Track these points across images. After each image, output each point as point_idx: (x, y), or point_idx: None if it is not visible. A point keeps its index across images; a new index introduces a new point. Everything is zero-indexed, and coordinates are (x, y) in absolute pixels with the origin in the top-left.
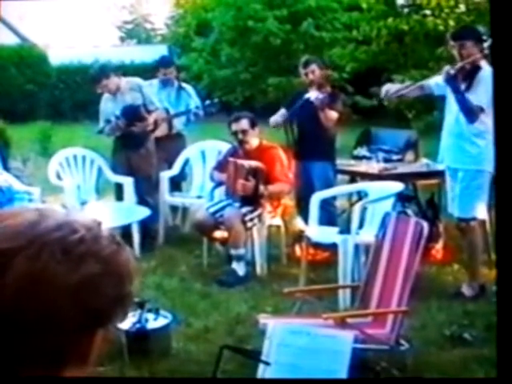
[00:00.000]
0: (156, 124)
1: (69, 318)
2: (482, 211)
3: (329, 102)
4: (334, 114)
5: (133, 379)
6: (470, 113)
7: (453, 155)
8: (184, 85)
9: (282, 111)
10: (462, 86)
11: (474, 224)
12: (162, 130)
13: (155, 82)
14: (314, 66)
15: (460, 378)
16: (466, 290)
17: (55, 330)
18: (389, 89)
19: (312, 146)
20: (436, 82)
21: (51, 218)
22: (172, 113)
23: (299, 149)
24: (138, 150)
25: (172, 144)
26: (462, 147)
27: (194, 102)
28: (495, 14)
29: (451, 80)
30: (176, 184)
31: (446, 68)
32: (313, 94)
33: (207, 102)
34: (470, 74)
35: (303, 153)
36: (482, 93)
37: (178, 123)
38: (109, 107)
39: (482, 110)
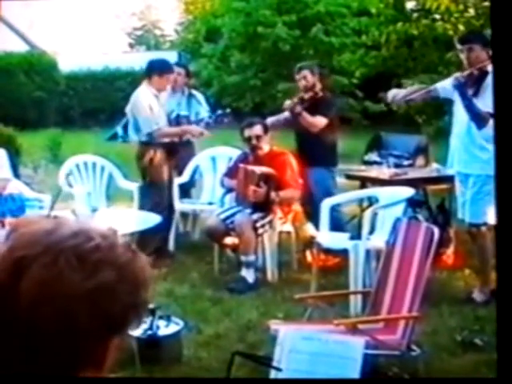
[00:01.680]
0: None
1: (84, 324)
2: (492, 216)
3: (315, 108)
4: (318, 120)
5: (137, 379)
6: (479, 119)
7: (463, 160)
8: (194, 92)
9: (286, 114)
10: (471, 92)
11: (484, 229)
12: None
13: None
14: (305, 72)
15: (460, 378)
16: (477, 295)
17: (70, 337)
18: (396, 94)
19: (310, 151)
20: (443, 86)
21: (67, 226)
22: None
23: (298, 154)
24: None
25: (182, 151)
26: (473, 152)
27: (204, 109)
28: (495, 15)
29: (460, 87)
30: (186, 191)
31: (456, 75)
32: (287, 102)
33: (219, 111)
34: (478, 80)
35: (302, 158)
36: (491, 98)
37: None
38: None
39: (491, 115)
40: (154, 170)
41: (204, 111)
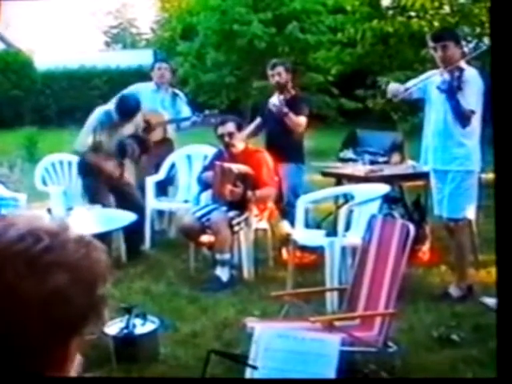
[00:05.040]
0: (150, 127)
1: (40, 331)
2: (471, 211)
3: (291, 106)
4: (301, 119)
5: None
6: (464, 118)
7: (442, 158)
8: (177, 91)
9: (258, 120)
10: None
11: (462, 224)
12: (157, 135)
13: (151, 84)
14: (280, 69)
15: (460, 378)
16: (454, 290)
17: (28, 345)
18: (398, 88)
19: (280, 148)
20: (416, 86)
21: (14, 228)
22: (169, 118)
23: (270, 151)
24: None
25: (162, 149)
26: (452, 150)
27: (187, 109)
28: (495, 15)
29: (448, 88)
30: (162, 189)
31: (434, 76)
32: (273, 100)
33: (207, 111)
34: (458, 78)
35: (273, 155)
36: (470, 95)
37: (171, 128)
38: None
39: (473, 112)
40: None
41: (187, 111)
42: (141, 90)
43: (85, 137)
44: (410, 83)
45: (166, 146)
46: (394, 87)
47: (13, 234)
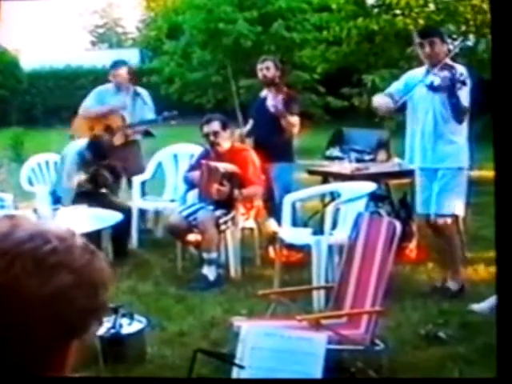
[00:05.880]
0: (111, 132)
1: (41, 329)
2: (460, 208)
3: (286, 107)
4: (295, 119)
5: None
6: (461, 114)
7: (431, 156)
8: (139, 90)
9: (251, 122)
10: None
11: (451, 220)
12: (120, 138)
13: (110, 86)
14: (269, 63)
15: (461, 378)
16: (452, 284)
17: (28, 343)
18: (388, 106)
19: (271, 147)
20: (397, 88)
21: (23, 229)
22: (128, 123)
23: (258, 150)
24: None
25: (127, 151)
26: (442, 148)
27: (148, 109)
28: (495, 15)
29: (450, 86)
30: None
31: (417, 74)
32: (269, 102)
33: (165, 113)
34: (459, 75)
35: (262, 154)
36: (466, 92)
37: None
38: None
39: (467, 109)
40: None
41: (149, 111)
42: (101, 93)
43: (68, 181)
44: (393, 91)
45: (131, 148)
46: (383, 106)
47: (22, 234)
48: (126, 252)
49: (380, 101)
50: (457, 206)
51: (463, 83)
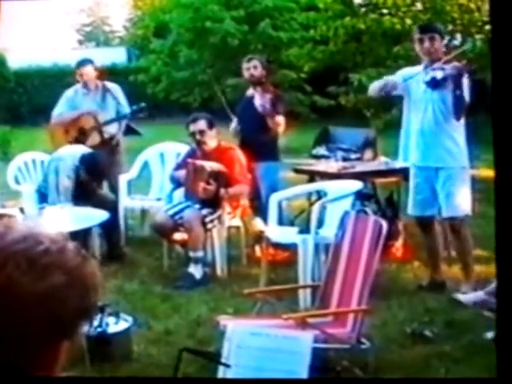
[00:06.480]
0: (85, 133)
1: (33, 328)
2: (469, 207)
3: (273, 106)
4: (281, 119)
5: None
6: (462, 109)
7: (432, 154)
8: (109, 85)
9: (235, 120)
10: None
11: (465, 221)
12: (93, 139)
13: (79, 87)
14: (256, 62)
15: (460, 378)
16: (466, 288)
17: (21, 342)
18: (395, 80)
19: (256, 146)
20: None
21: (16, 230)
22: (100, 120)
23: (244, 149)
24: None
25: (105, 150)
26: (446, 146)
27: (119, 103)
28: (495, 15)
29: (456, 79)
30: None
31: (416, 72)
32: (257, 101)
33: (134, 107)
34: (467, 71)
35: (248, 153)
36: (466, 89)
37: (111, 128)
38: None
39: (467, 105)
40: None
41: (120, 106)
42: (70, 97)
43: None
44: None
45: (108, 147)
46: (389, 81)
47: (15, 235)
48: (122, 254)
49: (381, 81)
50: (467, 205)
51: (471, 73)
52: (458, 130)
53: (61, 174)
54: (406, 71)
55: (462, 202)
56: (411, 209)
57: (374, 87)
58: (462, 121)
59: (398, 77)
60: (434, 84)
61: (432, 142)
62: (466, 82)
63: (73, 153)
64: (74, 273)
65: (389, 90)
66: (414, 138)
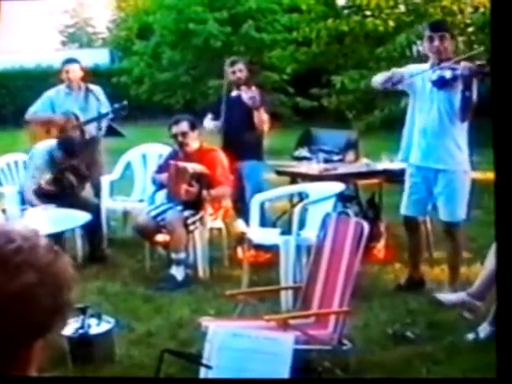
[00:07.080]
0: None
1: (7, 328)
2: (464, 211)
3: (262, 97)
4: (266, 117)
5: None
6: (469, 110)
7: (434, 155)
8: (92, 87)
9: (209, 116)
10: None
11: (461, 226)
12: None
13: (62, 87)
14: (241, 65)
15: (460, 378)
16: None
17: None
18: (402, 73)
19: (240, 145)
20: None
21: None
22: (82, 120)
23: (228, 149)
24: None
25: (86, 149)
26: (450, 149)
27: (101, 104)
28: (495, 15)
29: (465, 79)
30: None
31: (423, 70)
32: (244, 95)
33: (115, 105)
34: (480, 71)
35: (232, 153)
36: (474, 90)
37: (91, 128)
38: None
39: (475, 106)
40: None
41: (104, 107)
42: (51, 98)
43: (33, 179)
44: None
45: (90, 147)
46: (397, 72)
47: None
48: (104, 256)
49: (386, 73)
50: (463, 210)
51: (484, 75)
52: (461, 133)
53: (34, 157)
54: (413, 68)
55: (462, 207)
56: (404, 208)
57: (379, 79)
58: (465, 124)
59: (405, 71)
60: (441, 83)
61: (434, 143)
62: (475, 83)
63: (47, 142)
64: (46, 270)
65: (394, 83)
66: (417, 137)
